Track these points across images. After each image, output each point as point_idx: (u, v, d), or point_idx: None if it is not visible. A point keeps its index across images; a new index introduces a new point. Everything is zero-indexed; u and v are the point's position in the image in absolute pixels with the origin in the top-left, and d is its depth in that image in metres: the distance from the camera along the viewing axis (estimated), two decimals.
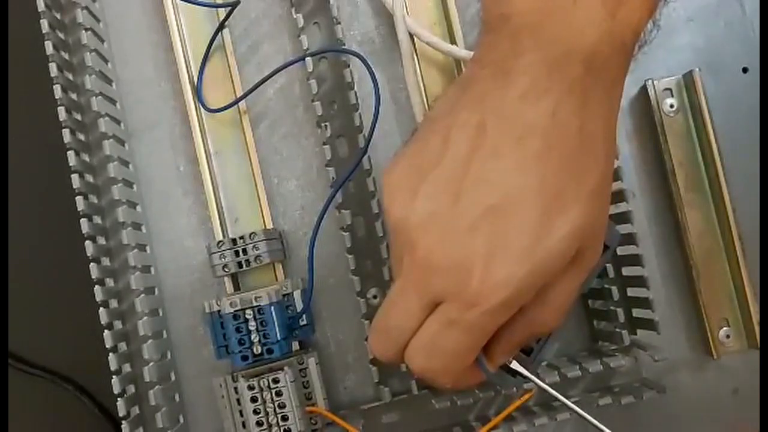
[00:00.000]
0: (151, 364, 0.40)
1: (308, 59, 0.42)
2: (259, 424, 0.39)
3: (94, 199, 0.43)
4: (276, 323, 0.40)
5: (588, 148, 0.27)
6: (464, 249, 0.27)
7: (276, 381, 0.39)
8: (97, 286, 0.40)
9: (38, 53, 0.41)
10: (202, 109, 0.44)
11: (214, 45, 0.44)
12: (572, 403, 0.32)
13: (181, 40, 0.45)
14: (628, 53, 0.28)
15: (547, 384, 0.32)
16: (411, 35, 0.43)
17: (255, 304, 0.40)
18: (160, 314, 0.44)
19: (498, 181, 0.27)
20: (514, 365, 0.31)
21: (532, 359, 0.32)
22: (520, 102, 0.27)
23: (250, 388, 0.39)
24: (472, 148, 0.27)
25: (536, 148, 0.26)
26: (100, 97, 0.42)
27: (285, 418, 0.39)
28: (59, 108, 0.41)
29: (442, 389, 0.31)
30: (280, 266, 0.44)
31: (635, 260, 0.39)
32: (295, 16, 0.43)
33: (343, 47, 0.43)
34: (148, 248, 0.44)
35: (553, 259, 0.27)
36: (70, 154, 0.41)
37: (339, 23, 0.43)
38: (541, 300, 0.29)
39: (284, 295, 0.42)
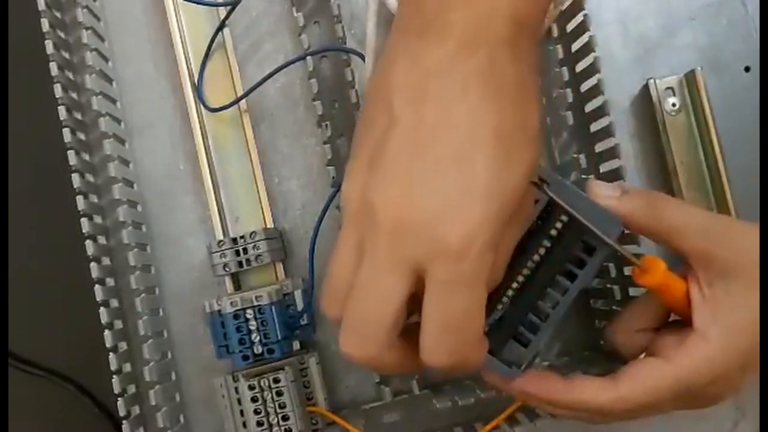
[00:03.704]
0: (151, 363, 0.40)
1: (309, 58, 0.42)
2: (259, 424, 0.39)
3: (94, 198, 0.43)
4: (276, 323, 0.40)
5: (526, 94, 0.28)
6: (433, 200, 0.26)
7: (277, 381, 0.39)
8: (97, 286, 0.40)
9: (38, 52, 0.41)
10: (202, 107, 0.44)
11: (214, 44, 0.44)
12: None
13: (181, 38, 0.45)
14: (544, 8, 0.29)
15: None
16: None
17: (255, 303, 0.40)
18: (161, 314, 0.44)
19: (452, 128, 0.27)
20: (512, 353, 0.32)
21: (528, 352, 0.32)
22: (456, 56, 0.27)
23: (251, 387, 0.39)
24: (418, 106, 0.27)
25: (482, 95, 0.27)
26: (100, 96, 0.42)
27: (286, 418, 0.39)
28: (59, 107, 0.41)
29: (468, 374, 0.30)
30: (281, 266, 0.43)
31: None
32: (295, 15, 0.43)
33: (344, 46, 0.43)
34: (148, 247, 0.44)
35: (516, 195, 0.27)
36: (71, 153, 0.40)
37: (340, 22, 0.43)
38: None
39: (285, 295, 0.42)
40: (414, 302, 0.28)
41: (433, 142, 0.27)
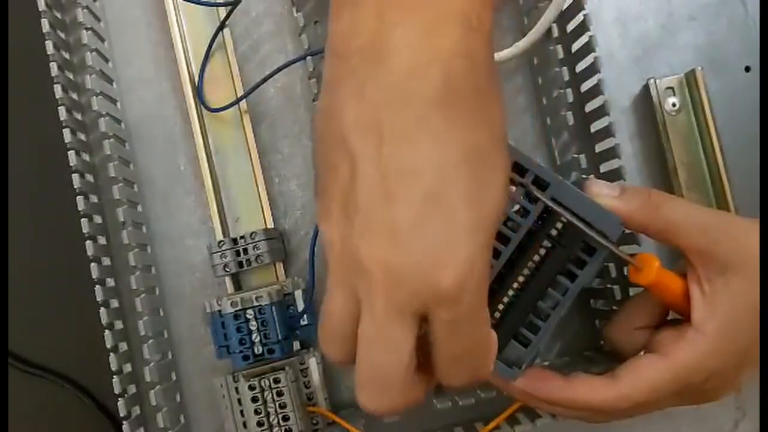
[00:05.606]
0: (151, 364, 0.40)
1: (309, 58, 0.42)
2: (260, 424, 0.39)
3: (94, 198, 0.43)
4: (277, 323, 0.40)
5: (487, 102, 0.26)
6: (418, 244, 0.25)
7: (277, 381, 0.39)
8: (97, 286, 0.40)
9: (39, 53, 0.41)
10: (202, 108, 0.44)
11: (214, 44, 0.44)
12: None
13: (181, 39, 0.45)
14: (495, 5, 0.27)
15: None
16: None
17: (256, 303, 0.40)
18: (161, 314, 0.44)
19: (420, 165, 0.25)
20: (512, 353, 0.32)
21: (528, 352, 0.32)
22: (407, 79, 0.25)
23: (251, 388, 0.39)
24: (378, 146, 0.25)
25: (442, 120, 0.25)
26: (100, 96, 0.42)
27: (286, 418, 0.39)
28: (60, 108, 0.41)
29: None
30: (281, 266, 0.43)
31: None
32: (295, 15, 0.43)
33: None
34: (148, 248, 0.44)
35: (497, 215, 0.26)
36: (71, 153, 0.40)
37: None
38: None
39: (285, 295, 0.42)
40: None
41: (403, 184, 0.25)
